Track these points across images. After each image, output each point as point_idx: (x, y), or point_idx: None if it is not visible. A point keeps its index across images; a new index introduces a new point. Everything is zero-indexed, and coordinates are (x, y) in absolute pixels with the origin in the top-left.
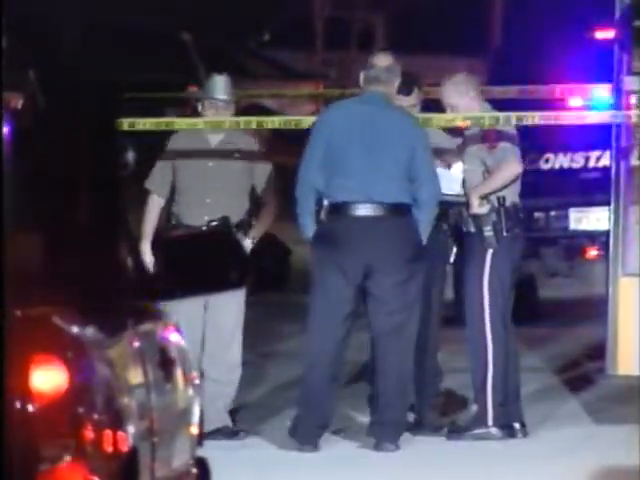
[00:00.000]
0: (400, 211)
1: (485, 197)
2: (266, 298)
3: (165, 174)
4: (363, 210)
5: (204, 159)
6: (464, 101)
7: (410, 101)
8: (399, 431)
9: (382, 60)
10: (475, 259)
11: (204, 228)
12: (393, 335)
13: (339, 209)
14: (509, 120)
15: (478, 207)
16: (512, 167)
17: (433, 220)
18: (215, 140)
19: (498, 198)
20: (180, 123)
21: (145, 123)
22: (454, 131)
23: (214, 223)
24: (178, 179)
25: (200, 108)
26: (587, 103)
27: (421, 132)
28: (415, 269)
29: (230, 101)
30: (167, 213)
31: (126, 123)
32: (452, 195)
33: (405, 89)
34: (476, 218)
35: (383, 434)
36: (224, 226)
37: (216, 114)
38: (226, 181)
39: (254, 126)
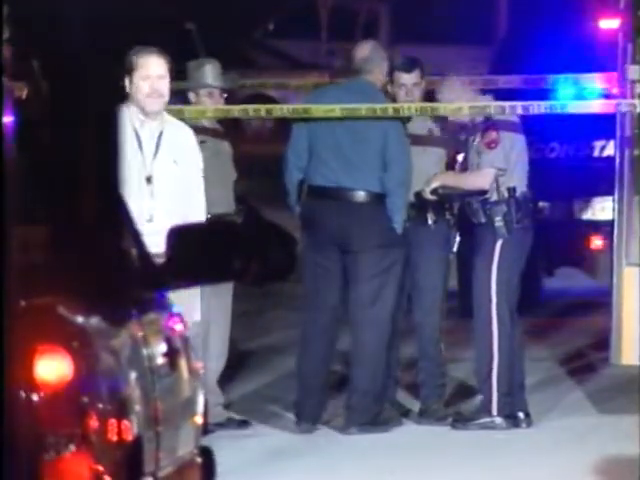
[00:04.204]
0: (371, 198)
1: (452, 193)
2: (272, 289)
3: None
4: (336, 195)
5: (218, 147)
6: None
7: (412, 79)
8: (365, 416)
9: (360, 51)
10: (484, 249)
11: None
12: (361, 325)
13: (316, 193)
14: (515, 109)
15: (429, 194)
16: (481, 181)
17: (404, 207)
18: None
19: (508, 189)
20: (190, 111)
21: None
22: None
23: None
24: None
25: (194, 97)
26: (579, 92)
27: (395, 120)
28: (386, 255)
29: (227, 87)
30: None
31: None
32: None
33: (406, 66)
34: (487, 209)
35: (349, 418)
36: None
37: (213, 102)
38: (228, 167)
39: (263, 114)
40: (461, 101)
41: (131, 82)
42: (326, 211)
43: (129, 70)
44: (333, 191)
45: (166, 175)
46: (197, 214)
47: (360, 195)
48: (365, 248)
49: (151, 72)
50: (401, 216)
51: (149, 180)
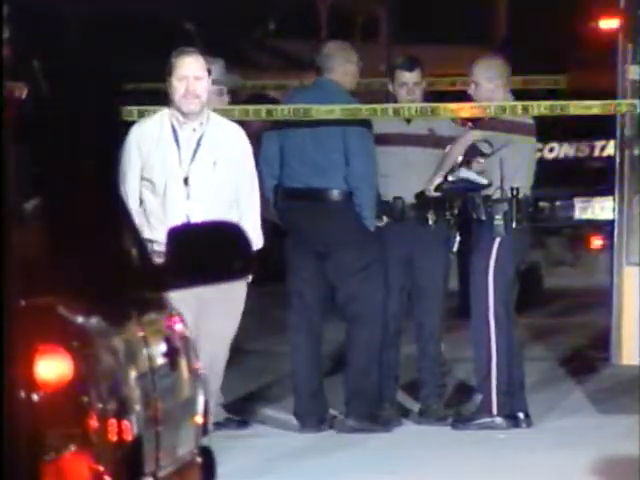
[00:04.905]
0: (341, 197)
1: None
2: (271, 289)
3: None
4: (308, 196)
5: None
6: (489, 86)
7: (413, 78)
8: (363, 414)
9: (323, 50)
10: (482, 247)
11: None
12: (352, 323)
13: (288, 195)
14: (515, 110)
15: (433, 190)
16: (461, 143)
17: (372, 202)
18: None
19: (512, 189)
20: None
21: (155, 111)
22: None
23: None
24: None
25: None
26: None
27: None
28: (363, 253)
29: (234, 86)
30: None
31: (136, 111)
32: (463, 181)
33: (407, 64)
34: (489, 205)
35: (348, 417)
36: None
37: (221, 100)
38: None
39: (264, 115)
40: (487, 86)
41: (170, 83)
42: (300, 213)
43: (169, 71)
44: (304, 192)
45: (204, 177)
46: (246, 221)
47: (330, 194)
48: (340, 246)
49: (187, 72)
50: (370, 212)
51: (186, 182)
